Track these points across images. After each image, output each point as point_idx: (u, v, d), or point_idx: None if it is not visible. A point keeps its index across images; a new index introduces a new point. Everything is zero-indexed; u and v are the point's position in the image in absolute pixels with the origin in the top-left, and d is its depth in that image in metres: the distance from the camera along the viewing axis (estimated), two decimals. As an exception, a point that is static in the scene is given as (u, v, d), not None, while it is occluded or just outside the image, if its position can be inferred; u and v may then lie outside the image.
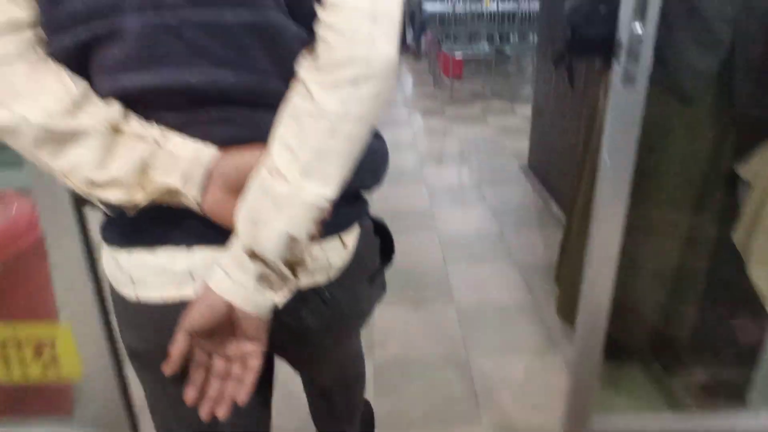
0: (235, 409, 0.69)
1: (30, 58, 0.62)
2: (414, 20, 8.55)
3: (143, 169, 0.64)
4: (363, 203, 0.82)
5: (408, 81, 6.67)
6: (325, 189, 0.63)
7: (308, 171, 0.62)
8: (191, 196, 0.65)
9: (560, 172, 3.10)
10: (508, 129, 4.66)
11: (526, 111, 5.22)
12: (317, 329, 0.80)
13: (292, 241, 0.64)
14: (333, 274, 0.77)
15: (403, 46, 8.39)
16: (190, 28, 0.61)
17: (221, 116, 0.66)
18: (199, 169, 0.64)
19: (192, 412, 0.68)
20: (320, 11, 0.63)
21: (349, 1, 0.61)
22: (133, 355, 0.80)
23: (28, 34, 0.62)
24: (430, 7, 6.18)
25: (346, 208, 0.75)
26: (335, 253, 0.76)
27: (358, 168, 0.66)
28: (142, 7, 0.60)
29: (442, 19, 6.36)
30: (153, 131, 0.65)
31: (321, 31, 0.63)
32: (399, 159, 4.00)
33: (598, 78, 1.90)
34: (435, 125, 4.85)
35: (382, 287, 0.91)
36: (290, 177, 0.62)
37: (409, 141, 4.41)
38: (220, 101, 0.65)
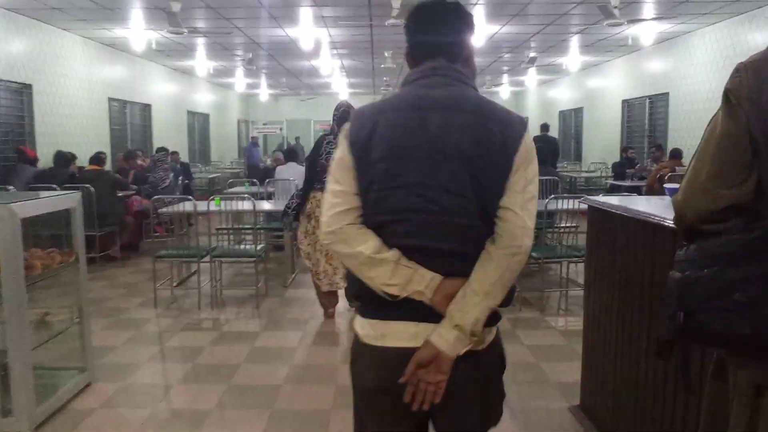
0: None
1: (358, 225, 1.39)
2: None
3: (407, 281, 1.35)
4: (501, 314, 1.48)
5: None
6: (494, 302, 1.37)
7: (488, 292, 1.35)
8: (428, 296, 1.36)
9: (621, 416, 2.45)
10: (545, 351, 4.05)
11: (560, 323, 4.66)
12: (469, 379, 1.43)
13: (477, 323, 1.35)
14: (485, 346, 1.45)
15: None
16: (441, 224, 1.35)
17: (447, 261, 1.37)
18: (434, 284, 1.36)
19: None
20: (499, 222, 1.36)
21: (513, 220, 1.35)
22: (364, 392, 1.51)
23: (357, 214, 1.40)
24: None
25: (496, 314, 1.43)
26: (489, 336, 1.46)
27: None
28: (424, 211, 1.35)
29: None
30: (413, 264, 1.36)
31: (498, 230, 1.36)
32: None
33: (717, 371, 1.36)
34: (459, 344, 4.25)
35: (504, 365, 1.57)
36: (480, 293, 1.34)
37: (432, 368, 3.78)
38: (448, 256, 1.37)
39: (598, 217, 2.85)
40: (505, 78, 16.85)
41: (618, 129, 12.55)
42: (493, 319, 1.40)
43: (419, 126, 1.37)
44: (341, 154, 1.42)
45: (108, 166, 9.67)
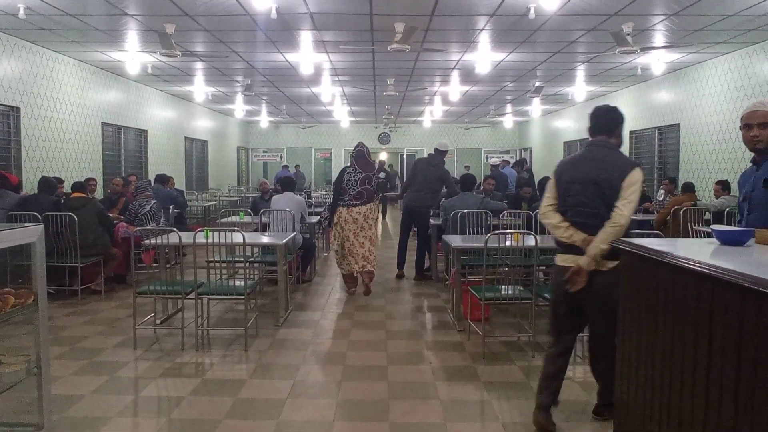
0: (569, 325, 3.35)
1: (554, 211, 3.26)
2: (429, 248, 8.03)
3: (570, 236, 3.14)
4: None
5: (425, 321, 5.79)
6: (605, 247, 3.00)
7: (603, 241, 3.01)
8: (579, 244, 3.10)
9: None
10: (563, 407, 3.60)
11: (578, 374, 4.21)
12: (598, 289, 3.08)
13: (597, 255, 3.04)
14: (605, 269, 3.07)
15: (419, 271, 7.71)
16: (588, 212, 3.12)
17: (589, 229, 3.08)
18: (581, 238, 3.10)
19: (562, 321, 3.36)
20: (612, 212, 3.03)
21: (617, 211, 3.02)
22: (554, 287, 3.38)
23: (555, 204, 3.27)
24: (456, 241, 5.55)
25: (610, 254, 3.00)
26: (609, 264, 3.04)
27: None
28: (579, 205, 3.15)
29: (466, 253, 5.67)
30: (574, 229, 3.14)
31: (611, 215, 3.03)
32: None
33: None
34: (468, 398, 3.80)
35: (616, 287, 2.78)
36: (599, 242, 3.02)
37: (436, 430, 3.33)
38: (590, 227, 3.08)
39: (636, 260, 2.46)
40: (509, 108, 16.61)
41: (625, 160, 12.22)
42: (608, 256, 3.00)
43: (582, 169, 3.19)
44: (552, 180, 3.31)
45: (100, 192, 9.32)
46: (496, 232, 4.84)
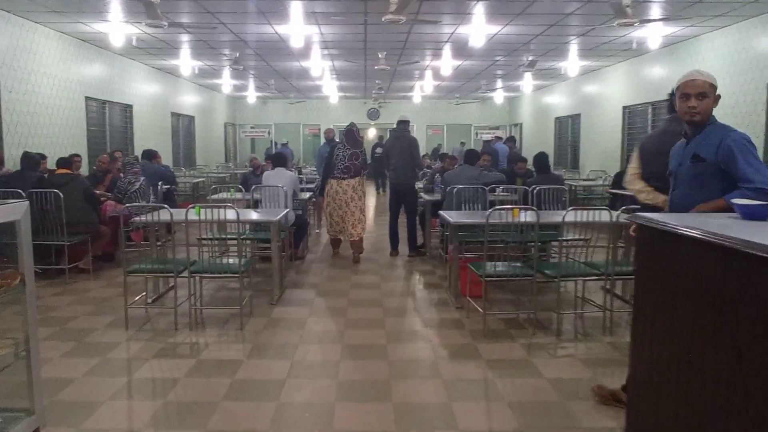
0: None
1: (638, 178, 3.62)
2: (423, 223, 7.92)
3: (654, 198, 3.42)
4: None
5: (422, 298, 5.70)
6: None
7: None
8: (662, 204, 3.27)
9: None
10: (569, 386, 3.54)
11: (581, 351, 4.16)
12: None
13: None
14: None
15: (413, 247, 7.61)
16: (660, 176, 3.27)
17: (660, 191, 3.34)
18: (664, 198, 3.21)
19: None
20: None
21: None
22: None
23: (639, 173, 3.65)
24: (454, 217, 5.44)
25: None
26: None
27: None
28: (654, 173, 3.48)
29: (466, 230, 5.57)
30: (655, 191, 3.45)
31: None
32: (434, 448, 2.82)
33: None
34: (471, 376, 3.72)
35: None
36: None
37: (443, 411, 3.26)
38: (660, 189, 3.35)
39: (652, 236, 2.36)
40: (500, 83, 16.43)
41: (618, 136, 12.15)
42: None
43: (663, 141, 3.40)
44: (636, 152, 3.68)
45: (85, 168, 9.08)
46: (498, 207, 4.73)
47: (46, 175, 6.65)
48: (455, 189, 6.55)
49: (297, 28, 8.49)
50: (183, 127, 15.46)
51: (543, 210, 6.32)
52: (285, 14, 7.96)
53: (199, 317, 4.93)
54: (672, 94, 3.25)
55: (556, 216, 5.38)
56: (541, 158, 7.06)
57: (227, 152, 20.27)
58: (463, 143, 20.02)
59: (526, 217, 4.94)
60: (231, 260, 5.24)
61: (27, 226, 2.84)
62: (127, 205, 5.25)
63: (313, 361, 3.98)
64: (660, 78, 10.56)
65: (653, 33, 8.79)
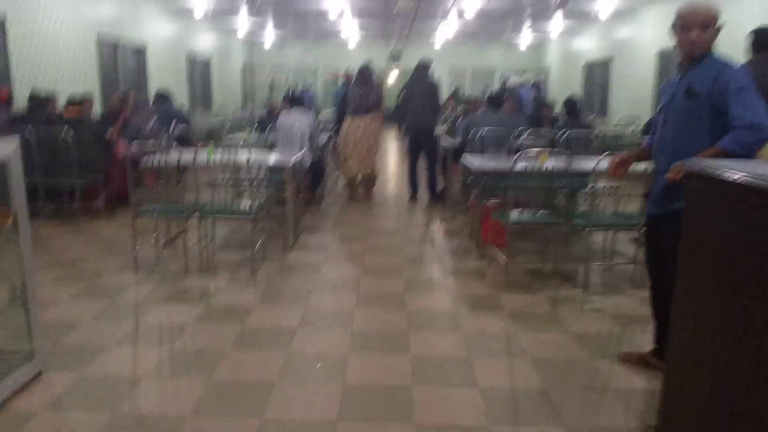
0: None
1: None
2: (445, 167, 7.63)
3: None
4: None
5: (442, 246, 5.48)
6: None
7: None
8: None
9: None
10: (598, 343, 3.32)
11: (609, 305, 3.92)
12: None
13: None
14: None
15: (433, 194, 7.36)
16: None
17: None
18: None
19: None
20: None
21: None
22: None
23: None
24: (477, 162, 5.14)
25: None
26: None
27: None
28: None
29: (489, 176, 5.28)
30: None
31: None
32: (456, 410, 2.64)
33: None
34: (493, 330, 3.52)
35: None
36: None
37: (463, 366, 3.07)
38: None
39: (707, 187, 2.06)
40: (526, 26, 15.68)
41: (651, 83, 11.54)
42: None
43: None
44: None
45: (98, 108, 8.87)
46: (525, 150, 4.43)
47: (53, 117, 6.44)
48: (479, 132, 6.22)
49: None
50: (199, 71, 15.11)
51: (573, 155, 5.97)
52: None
53: (211, 261, 4.77)
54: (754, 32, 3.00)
55: (587, 162, 5.06)
56: (570, 103, 6.66)
57: (245, 96, 19.92)
58: (488, 86, 19.39)
59: (556, 162, 4.62)
60: (244, 203, 5.04)
61: (17, 164, 2.63)
62: (134, 143, 5.03)
63: (326, 310, 3.81)
64: (700, 18, 9.88)
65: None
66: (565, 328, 3.52)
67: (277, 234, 5.55)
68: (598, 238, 5.39)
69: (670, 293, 2.19)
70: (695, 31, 2.57)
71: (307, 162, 6.49)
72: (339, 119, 7.65)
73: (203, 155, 4.83)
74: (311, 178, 6.94)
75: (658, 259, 2.85)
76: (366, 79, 7.31)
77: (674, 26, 2.68)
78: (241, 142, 6.86)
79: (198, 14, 13.00)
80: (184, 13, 13.41)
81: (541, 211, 4.56)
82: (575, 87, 16.44)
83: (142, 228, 5.29)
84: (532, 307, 3.89)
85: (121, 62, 10.54)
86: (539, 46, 20.53)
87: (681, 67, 2.73)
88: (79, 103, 6.57)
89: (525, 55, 21.12)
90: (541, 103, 10.24)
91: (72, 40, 8.71)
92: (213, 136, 10.81)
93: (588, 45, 15.86)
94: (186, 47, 13.92)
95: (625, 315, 3.76)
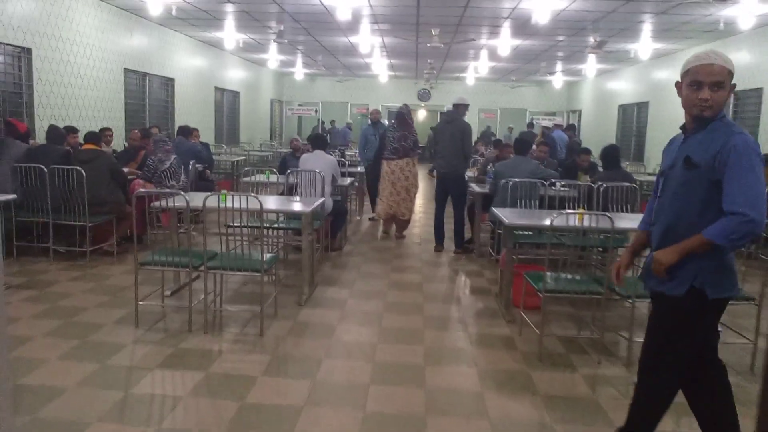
0: None
1: None
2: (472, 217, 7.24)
3: None
4: None
5: (468, 306, 5.06)
6: None
7: None
8: None
9: None
10: None
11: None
12: None
13: None
14: None
15: (459, 244, 6.95)
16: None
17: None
18: None
19: None
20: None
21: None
22: None
23: None
24: (508, 216, 4.75)
25: None
26: None
27: None
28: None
29: (521, 231, 4.89)
30: None
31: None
32: None
33: None
34: (524, 418, 3.08)
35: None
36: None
37: (490, 465, 2.63)
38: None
39: None
40: (560, 65, 15.38)
41: (691, 127, 11.04)
42: None
43: None
44: None
45: (119, 143, 8.75)
46: (566, 212, 4.02)
47: (71, 151, 6.27)
48: (510, 183, 5.84)
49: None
50: (227, 103, 15.11)
51: (612, 212, 5.54)
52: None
53: (218, 317, 4.43)
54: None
55: (630, 221, 4.61)
56: (610, 151, 6.24)
57: (273, 130, 19.93)
58: (510, 128, 19.07)
59: (596, 222, 4.19)
60: (256, 254, 4.71)
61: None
62: (140, 190, 4.77)
63: (337, 383, 3.41)
64: (747, 64, 9.44)
65: (746, 12, 7.73)
66: (609, 420, 3.06)
67: (292, 285, 5.19)
68: (643, 304, 4.91)
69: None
70: (707, 90, 2.18)
71: (329, 207, 6.17)
72: (376, 159, 7.75)
73: (212, 201, 4.53)
74: (332, 223, 6.62)
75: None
76: (403, 122, 7.34)
77: (681, 82, 2.30)
78: (260, 185, 6.59)
79: (228, 45, 13.02)
80: (213, 45, 13.44)
81: (579, 277, 4.13)
82: (610, 129, 15.99)
83: (148, 276, 5.01)
84: (569, 388, 3.44)
85: (148, 94, 10.49)
86: (573, 85, 20.20)
87: (684, 130, 2.36)
88: (96, 140, 6.40)
89: (557, 95, 20.81)
90: (575, 148, 9.83)
91: (99, 72, 8.65)
92: (236, 174, 10.62)
93: (624, 86, 15.44)
94: (215, 79, 13.94)
95: (679, 404, 3.27)
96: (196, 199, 4.57)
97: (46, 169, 5.73)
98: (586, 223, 4.16)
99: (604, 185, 5.76)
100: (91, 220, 5.79)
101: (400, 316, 4.66)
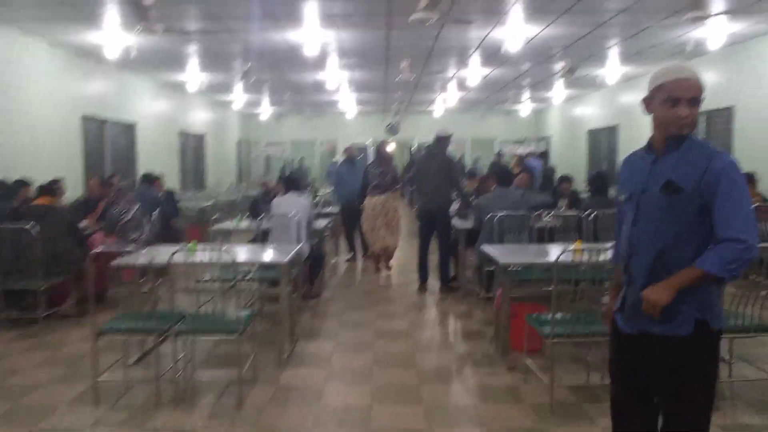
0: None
1: None
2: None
3: None
4: None
5: (464, 354, 4.67)
6: None
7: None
8: None
9: None
10: None
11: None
12: None
13: None
14: None
15: (445, 282, 6.60)
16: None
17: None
18: None
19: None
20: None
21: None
22: None
23: None
24: (499, 253, 4.43)
25: None
26: None
27: None
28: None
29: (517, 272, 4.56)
30: None
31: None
32: None
33: None
34: (549, 492, 2.69)
35: None
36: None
37: None
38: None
39: None
40: (528, 93, 15.42)
41: (664, 149, 11.03)
42: None
43: None
44: None
45: (74, 194, 8.24)
46: (571, 248, 3.71)
47: (21, 207, 5.77)
48: (496, 217, 5.54)
49: (312, 34, 7.61)
50: (192, 147, 14.67)
51: (603, 241, 5.27)
52: (298, 17, 7.07)
53: (189, 386, 3.95)
54: None
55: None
56: (598, 178, 6.03)
57: (240, 172, 19.48)
58: (476, 159, 19.11)
59: (596, 257, 3.87)
60: (230, 312, 4.27)
61: None
62: (98, 248, 4.32)
63: (330, 463, 2.97)
64: (717, 83, 9.46)
65: (716, 31, 7.73)
66: (643, 487, 2.68)
67: (271, 342, 4.74)
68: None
69: None
70: (685, 107, 1.97)
71: (305, 253, 5.77)
72: (361, 196, 7.81)
73: (183, 254, 4.10)
74: (309, 269, 6.21)
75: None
76: (382, 158, 7.64)
77: (651, 98, 2.08)
78: (231, 233, 6.17)
79: (191, 88, 12.66)
80: (176, 88, 13.06)
81: (586, 314, 3.80)
82: (579, 154, 16.02)
83: (109, 342, 4.49)
84: (590, 449, 3.07)
85: (108, 141, 10.01)
86: (540, 112, 20.34)
87: (652, 150, 2.12)
88: (52, 193, 5.92)
89: (525, 123, 20.92)
90: (549, 175, 9.68)
91: (53, 119, 8.18)
92: (202, 222, 10.10)
93: (591, 111, 15.54)
94: (178, 122, 13.52)
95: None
96: (162, 253, 4.13)
97: (-4, 226, 5.22)
98: (585, 257, 3.85)
99: (593, 213, 5.51)
100: (46, 281, 5.27)
101: (391, 370, 4.25)
